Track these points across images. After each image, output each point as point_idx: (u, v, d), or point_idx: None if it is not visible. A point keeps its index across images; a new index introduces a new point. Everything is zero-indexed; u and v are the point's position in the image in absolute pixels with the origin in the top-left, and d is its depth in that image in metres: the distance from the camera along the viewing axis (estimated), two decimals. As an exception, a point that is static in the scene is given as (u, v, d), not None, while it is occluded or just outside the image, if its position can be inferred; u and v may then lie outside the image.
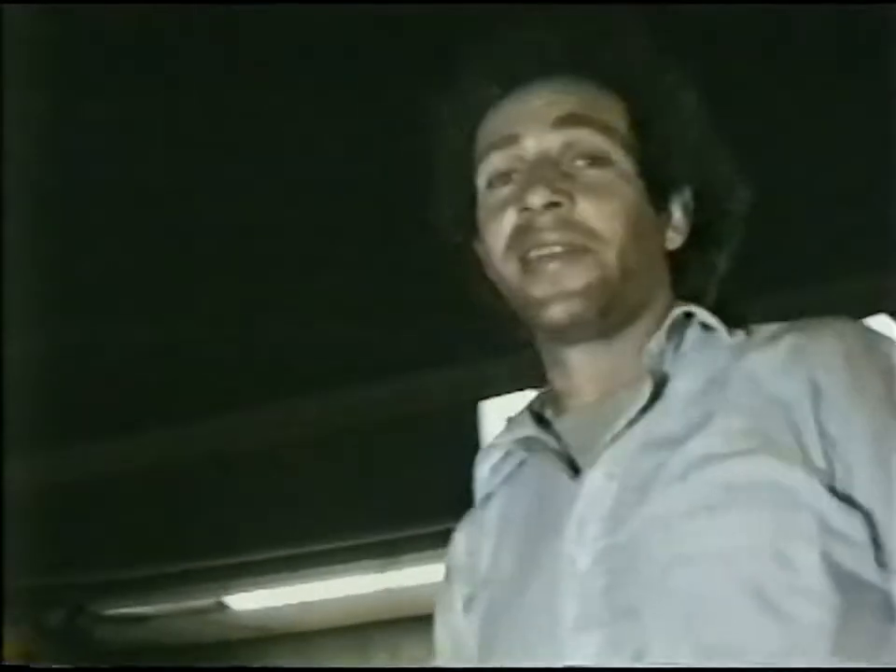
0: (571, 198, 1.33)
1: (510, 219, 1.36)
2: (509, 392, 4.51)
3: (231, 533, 4.82)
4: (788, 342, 1.29)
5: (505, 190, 1.37)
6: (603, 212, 1.33)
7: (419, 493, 4.59)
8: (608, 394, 1.36)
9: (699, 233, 1.42)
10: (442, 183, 1.48)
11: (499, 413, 4.53)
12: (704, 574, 1.19)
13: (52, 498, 4.97)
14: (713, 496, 1.21)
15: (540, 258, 1.33)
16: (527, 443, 1.40)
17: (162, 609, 5.20)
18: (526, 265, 1.34)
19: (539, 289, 1.33)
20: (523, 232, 1.34)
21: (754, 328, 1.36)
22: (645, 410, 1.30)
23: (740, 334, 1.35)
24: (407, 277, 3.96)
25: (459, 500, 4.81)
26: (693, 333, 1.36)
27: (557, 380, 1.41)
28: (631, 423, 1.29)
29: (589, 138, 1.36)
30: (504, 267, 1.37)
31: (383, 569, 4.82)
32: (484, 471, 1.47)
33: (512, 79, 1.42)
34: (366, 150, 3.50)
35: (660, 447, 1.27)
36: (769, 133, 3.38)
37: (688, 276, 1.42)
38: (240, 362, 4.42)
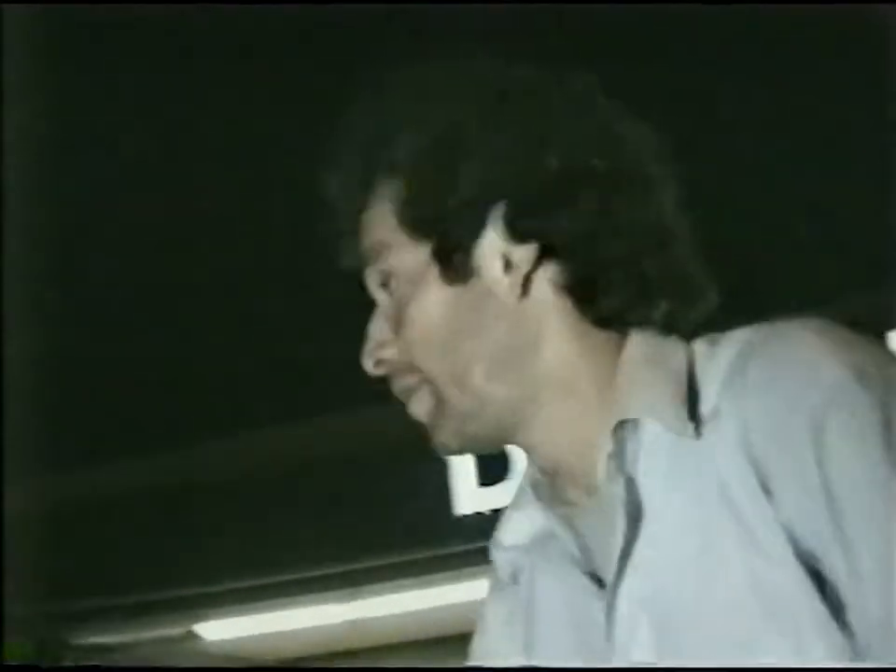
0: (383, 345, 1.22)
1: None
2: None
3: (202, 562, 4.84)
4: (735, 419, 1.13)
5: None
6: (414, 343, 1.20)
7: (386, 523, 4.63)
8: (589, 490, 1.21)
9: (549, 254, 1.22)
10: None
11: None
12: None
13: (20, 528, 4.97)
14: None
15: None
16: (544, 540, 1.26)
17: (133, 639, 5.21)
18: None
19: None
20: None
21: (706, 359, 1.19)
22: (630, 544, 1.17)
23: (706, 414, 1.16)
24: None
25: (424, 532, 4.85)
26: (649, 437, 1.18)
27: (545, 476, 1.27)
28: (624, 561, 1.17)
29: (388, 264, 1.22)
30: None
31: (349, 599, 4.85)
32: (504, 551, 1.31)
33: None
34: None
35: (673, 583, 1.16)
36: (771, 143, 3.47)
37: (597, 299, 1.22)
38: (216, 390, 4.44)
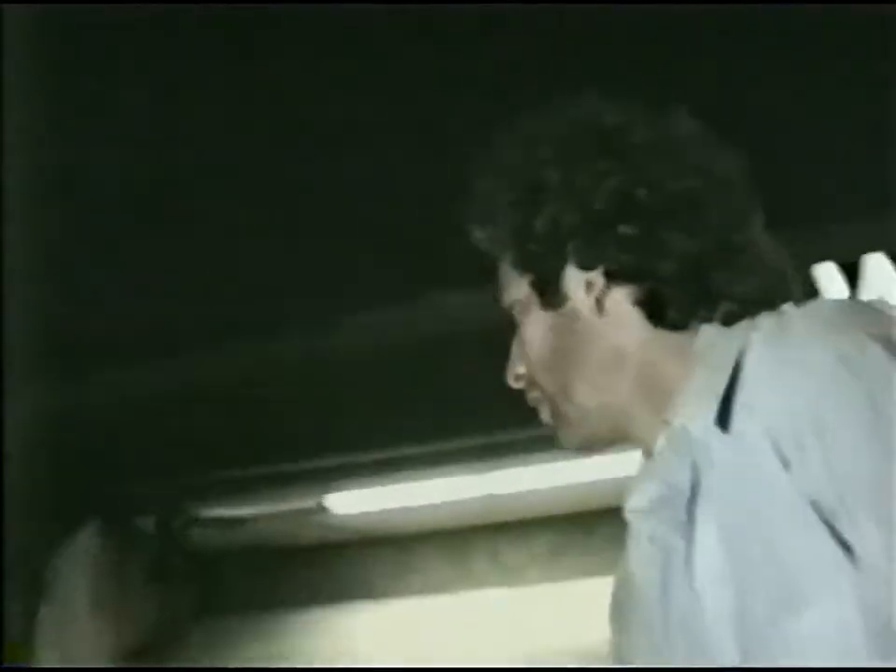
0: (519, 366, 1.52)
1: None
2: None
3: (332, 434, 4.78)
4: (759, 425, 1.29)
5: None
6: (530, 362, 1.49)
7: (518, 398, 4.50)
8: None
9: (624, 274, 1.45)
10: None
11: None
12: None
13: (150, 404, 4.97)
14: None
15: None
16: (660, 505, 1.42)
17: (260, 512, 5.18)
18: None
19: None
20: None
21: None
22: (692, 518, 1.37)
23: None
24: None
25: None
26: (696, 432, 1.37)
27: None
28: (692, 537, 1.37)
29: (509, 298, 1.52)
30: None
31: (483, 473, 4.75)
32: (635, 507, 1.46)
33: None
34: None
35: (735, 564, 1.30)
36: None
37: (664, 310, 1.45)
38: (341, 263, 4.36)
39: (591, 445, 1.50)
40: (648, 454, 1.43)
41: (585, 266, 1.42)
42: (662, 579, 1.41)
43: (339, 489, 4.97)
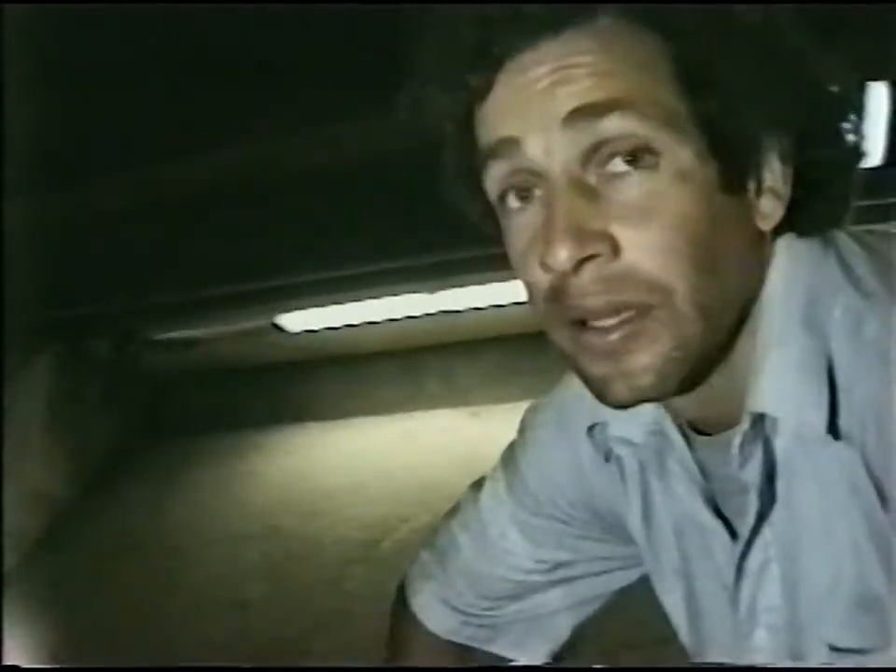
0: (611, 240, 1.01)
1: (539, 276, 1.06)
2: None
3: (284, 254, 4.74)
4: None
5: (522, 220, 1.07)
6: (658, 250, 1.00)
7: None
8: (726, 424, 1.15)
9: (811, 184, 1.08)
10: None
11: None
12: None
13: (94, 224, 4.90)
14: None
15: (590, 329, 1.05)
16: (657, 439, 1.24)
17: (212, 333, 5.16)
18: (575, 334, 1.07)
19: (595, 368, 1.07)
20: (558, 297, 1.05)
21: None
22: (766, 508, 1.15)
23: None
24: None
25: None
26: (782, 442, 1.11)
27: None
28: (761, 521, 1.16)
29: (621, 128, 0.98)
30: (548, 330, 1.11)
31: (435, 291, 4.74)
32: (617, 434, 1.28)
33: (497, 44, 1.02)
34: None
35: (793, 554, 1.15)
36: None
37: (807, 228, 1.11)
38: (297, 74, 4.28)
39: (656, 393, 1.07)
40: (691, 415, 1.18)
41: (788, 166, 1.05)
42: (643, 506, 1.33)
43: (291, 308, 4.96)
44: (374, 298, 4.81)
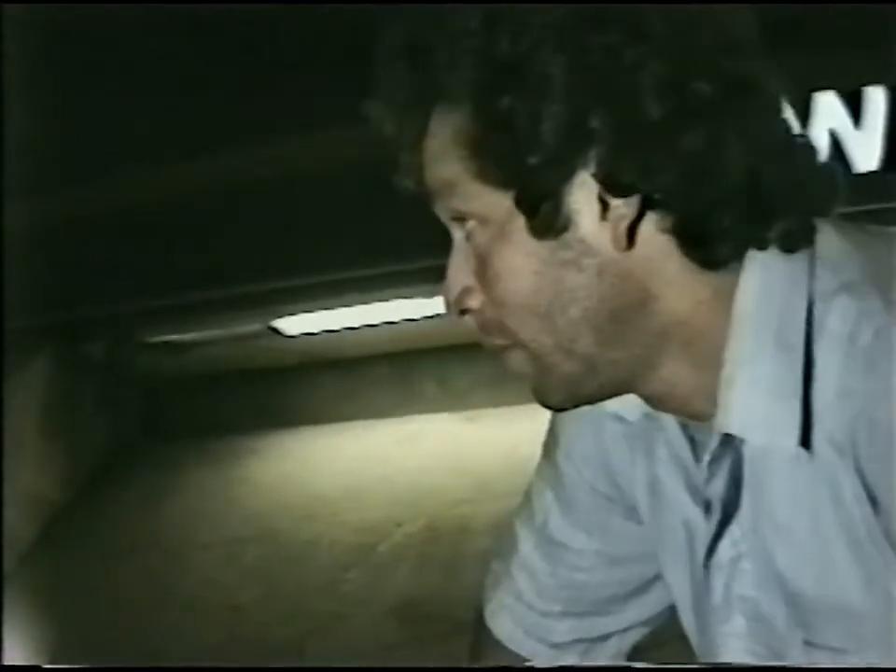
0: (469, 296, 1.16)
1: None
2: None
3: (280, 257, 4.75)
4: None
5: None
6: (497, 303, 1.13)
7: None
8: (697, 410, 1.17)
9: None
10: None
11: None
12: None
13: (91, 228, 4.90)
14: None
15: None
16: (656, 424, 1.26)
17: (208, 336, 5.17)
18: None
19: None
20: None
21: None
22: (732, 511, 1.18)
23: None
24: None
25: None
26: (751, 460, 1.14)
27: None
28: (727, 521, 1.19)
29: (450, 202, 1.14)
30: None
31: (431, 295, 4.75)
32: (612, 410, 1.29)
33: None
34: None
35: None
36: None
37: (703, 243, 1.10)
38: (301, 79, 4.30)
39: (579, 402, 1.18)
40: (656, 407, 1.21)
41: (615, 189, 1.06)
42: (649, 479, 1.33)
43: (287, 312, 4.96)
44: (371, 301, 4.82)
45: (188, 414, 5.62)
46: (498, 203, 1.09)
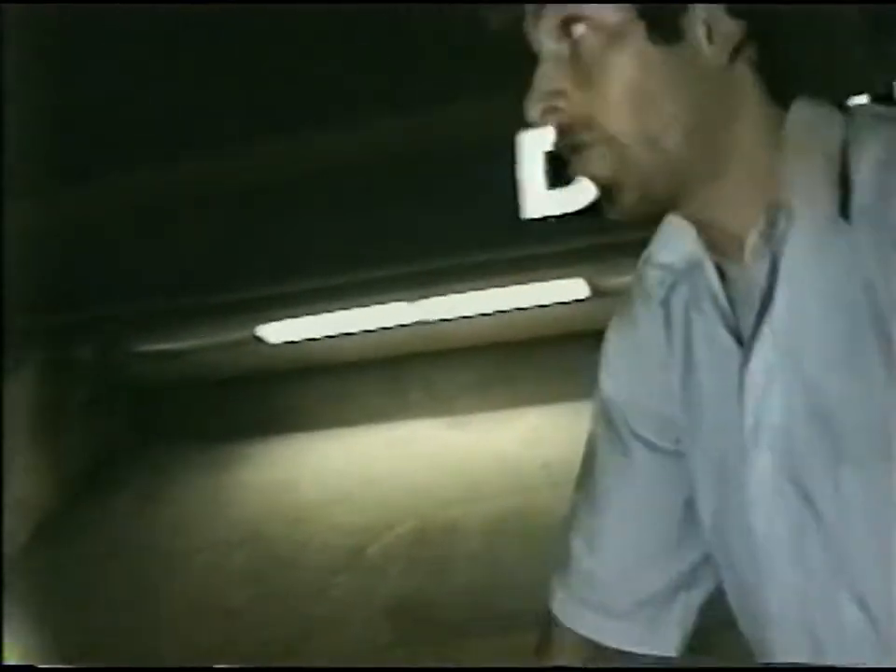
0: (560, 95, 1.23)
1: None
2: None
3: (265, 264, 4.78)
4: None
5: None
6: (600, 94, 1.22)
7: (454, 224, 4.52)
8: (743, 244, 1.26)
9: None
10: None
11: (537, 145, 4.42)
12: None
13: (80, 233, 4.92)
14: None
15: (571, 155, 1.26)
16: (696, 270, 1.34)
17: (196, 344, 5.19)
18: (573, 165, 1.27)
19: (597, 181, 1.26)
20: (557, 145, 1.27)
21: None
22: (767, 307, 1.24)
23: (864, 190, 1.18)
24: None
25: (495, 233, 4.78)
26: (801, 221, 1.22)
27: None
28: (760, 321, 1.25)
29: (558, 6, 1.23)
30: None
31: (414, 301, 4.79)
32: (656, 268, 1.40)
33: None
34: None
35: (799, 365, 1.23)
36: None
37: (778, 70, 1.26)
38: (258, 96, 4.32)
39: (647, 209, 1.26)
40: (706, 236, 1.31)
41: (734, 13, 1.21)
42: (684, 354, 1.39)
43: (273, 319, 4.99)
44: (355, 307, 4.86)
45: (178, 421, 5.64)
46: (618, 10, 1.20)
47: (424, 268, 4.63)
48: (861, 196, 1.18)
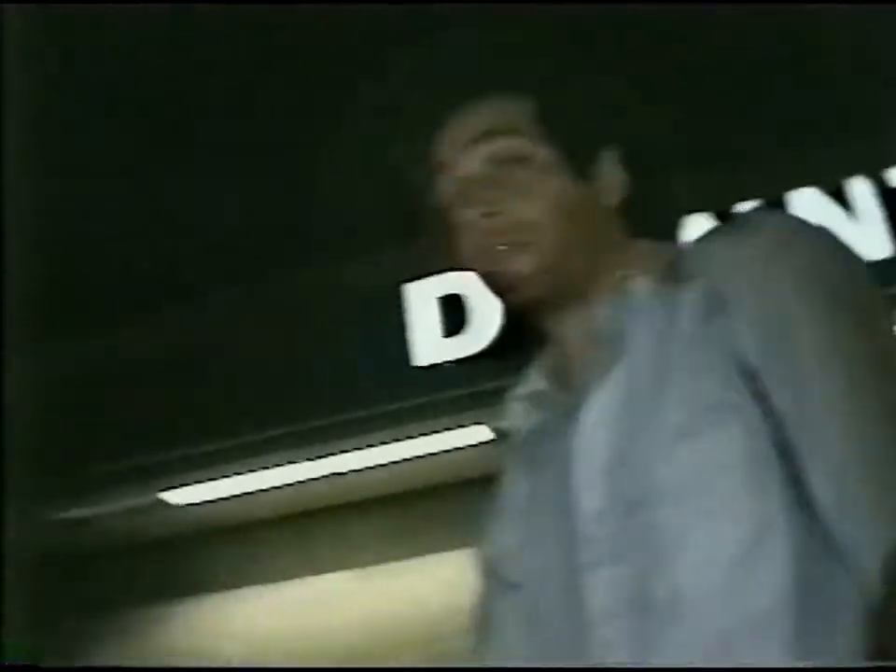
0: (502, 204, 1.54)
1: (466, 240, 1.56)
2: (432, 274, 4.50)
3: (165, 428, 4.81)
4: (700, 284, 1.45)
5: (455, 214, 1.58)
6: (533, 206, 1.53)
7: (351, 377, 4.59)
8: (594, 352, 1.53)
9: (639, 181, 1.60)
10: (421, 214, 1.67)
11: (424, 295, 4.52)
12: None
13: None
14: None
15: (491, 259, 1.54)
16: (542, 398, 1.62)
17: (102, 511, 5.17)
18: (483, 268, 1.57)
19: (496, 282, 1.56)
20: (473, 246, 1.56)
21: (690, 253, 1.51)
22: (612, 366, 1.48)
23: (694, 275, 1.47)
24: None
25: (389, 384, 4.84)
26: (638, 295, 1.51)
27: (551, 345, 1.62)
28: (602, 380, 1.48)
29: (505, 145, 1.56)
30: (472, 270, 1.58)
31: (318, 456, 4.82)
32: (517, 420, 1.65)
33: (427, 117, 1.60)
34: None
35: (635, 400, 1.45)
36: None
37: (643, 221, 1.59)
38: (155, 263, 4.39)
39: (541, 297, 1.56)
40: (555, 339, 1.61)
41: (625, 141, 1.59)
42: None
43: (176, 482, 4.99)
44: (260, 466, 4.88)
45: (87, 590, 5.58)
46: (551, 152, 1.55)
47: (324, 422, 4.68)
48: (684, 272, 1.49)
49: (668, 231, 1.64)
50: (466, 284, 4.40)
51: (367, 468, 4.92)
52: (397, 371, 4.58)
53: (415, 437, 4.72)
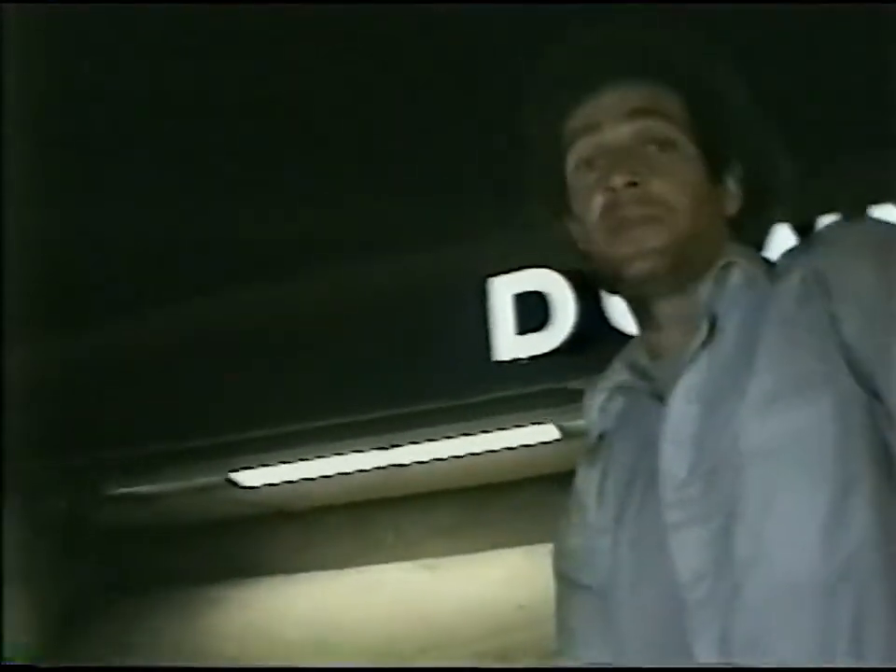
0: (646, 178, 1.59)
1: (598, 201, 1.62)
2: (517, 269, 4.48)
3: (237, 410, 4.81)
4: (798, 273, 1.54)
5: (591, 176, 1.64)
6: (672, 188, 1.60)
7: (424, 370, 4.57)
8: (689, 336, 1.59)
9: (752, 200, 1.67)
10: (534, 171, 1.74)
11: (507, 290, 4.49)
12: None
13: (53, 380, 4.96)
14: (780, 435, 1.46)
15: (624, 226, 1.59)
16: (624, 389, 1.69)
17: (168, 488, 5.20)
18: (614, 233, 1.61)
19: (623, 249, 1.60)
20: (609, 209, 1.61)
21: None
22: (705, 344, 1.56)
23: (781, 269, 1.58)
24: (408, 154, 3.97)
25: (465, 377, 4.83)
26: (735, 279, 1.61)
27: (647, 330, 1.67)
28: (694, 357, 1.56)
29: (656, 126, 1.63)
30: (595, 237, 1.63)
31: (385, 447, 4.81)
32: (593, 414, 1.72)
33: (590, 82, 1.66)
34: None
35: (723, 374, 1.54)
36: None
37: (744, 235, 1.67)
38: (239, 241, 4.38)
39: (660, 274, 1.61)
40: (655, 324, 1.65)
41: (754, 157, 1.67)
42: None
43: (244, 464, 5.00)
44: (327, 452, 4.88)
45: (149, 567, 5.61)
46: (691, 145, 1.63)
47: (394, 412, 4.67)
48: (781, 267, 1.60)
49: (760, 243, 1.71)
50: (544, 281, 4.39)
51: (435, 459, 4.91)
52: (471, 365, 4.55)
53: (487, 432, 4.71)
